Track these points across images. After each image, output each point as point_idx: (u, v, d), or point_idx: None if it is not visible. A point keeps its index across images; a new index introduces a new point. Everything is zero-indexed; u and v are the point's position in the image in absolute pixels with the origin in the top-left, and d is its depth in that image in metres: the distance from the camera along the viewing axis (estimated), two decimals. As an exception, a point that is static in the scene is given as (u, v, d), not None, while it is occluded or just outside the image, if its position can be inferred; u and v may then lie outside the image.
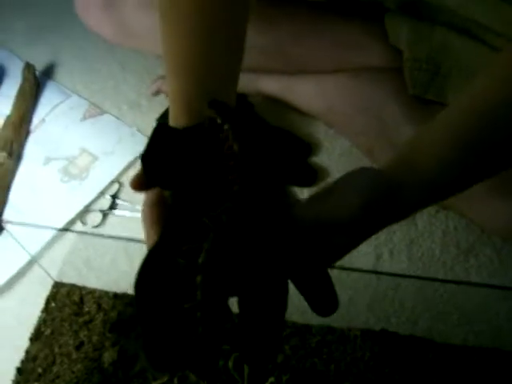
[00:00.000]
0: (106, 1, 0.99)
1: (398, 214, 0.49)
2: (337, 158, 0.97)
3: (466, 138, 0.49)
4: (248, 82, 1.03)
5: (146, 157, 0.54)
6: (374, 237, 0.83)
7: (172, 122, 0.58)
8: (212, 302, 0.42)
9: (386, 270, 0.85)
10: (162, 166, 0.53)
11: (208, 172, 0.50)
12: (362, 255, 0.87)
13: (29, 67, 1.20)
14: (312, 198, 0.49)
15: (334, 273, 0.76)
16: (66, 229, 0.97)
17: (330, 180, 0.95)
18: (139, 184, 0.54)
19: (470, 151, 0.49)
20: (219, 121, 0.51)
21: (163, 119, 1.07)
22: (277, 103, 1.02)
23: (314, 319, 0.80)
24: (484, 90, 0.50)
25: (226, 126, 0.51)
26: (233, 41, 0.64)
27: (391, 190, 0.47)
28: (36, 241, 0.95)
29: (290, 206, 0.49)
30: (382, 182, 0.48)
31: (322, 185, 0.94)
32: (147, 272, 0.45)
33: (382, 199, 0.47)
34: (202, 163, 0.51)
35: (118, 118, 1.11)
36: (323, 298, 0.48)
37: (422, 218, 0.89)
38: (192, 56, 0.59)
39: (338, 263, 0.83)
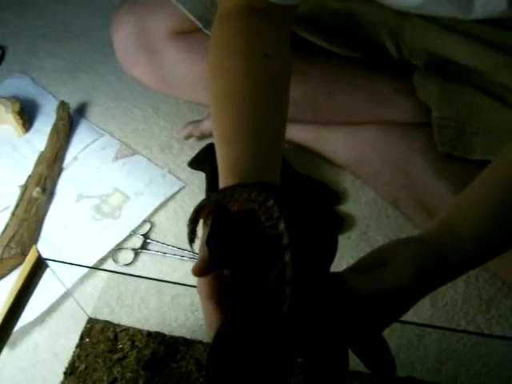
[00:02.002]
0: (146, 47, 1.04)
1: (445, 279, 0.54)
2: (363, 206, 1.01)
3: (505, 207, 0.53)
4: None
5: (211, 242, 0.53)
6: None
7: (222, 185, 0.60)
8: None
9: (411, 317, 0.88)
10: (226, 250, 0.53)
11: (261, 250, 0.51)
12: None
13: (63, 105, 1.24)
14: (363, 269, 0.53)
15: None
16: (97, 267, 1.00)
17: (356, 228, 0.98)
18: (204, 269, 0.54)
19: (509, 219, 0.53)
20: (268, 203, 0.52)
21: (194, 164, 1.11)
22: (306, 152, 1.07)
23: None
24: None
25: (270, 203, 0.51)
26: (279, 108, 0.68)
27: (438, 261, 0.52)
28: (69, 277, 0.98)
29: (342, 278, 0.51)
30: (429, 254, 0.52)
31: (348, 233, 0.98)
32: (219, 353, 0.47)
33: (431, 270, 0.52)
34: (256, 241, 0.52)
35: (149, 160, 1.15)
36: (382, 362, 0.51)
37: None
38: (240, 125, 0.63)
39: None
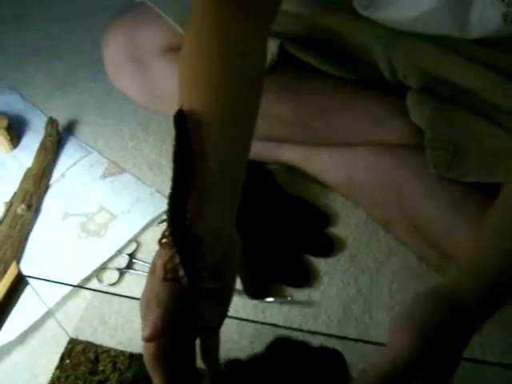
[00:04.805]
0: (136, 61, 1.03)
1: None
2: (353, 228, 0.99)
3: None
4: (268, 151, 1.06)
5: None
6: (389, 308, 0.85)
7: None
8: None
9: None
10: None
11: None
12: (378, 327, 0.88)
13: (52, 122, 1.22)
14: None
15: (349, 343, 0.78)
16: (81, 286, 0.98)
17: (346, 251, 0.97)
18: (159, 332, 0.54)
19: None
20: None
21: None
22: (296, 173, 1.05)
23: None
24: None
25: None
26: (250, 105, 0.69)
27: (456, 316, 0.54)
28: (51, 295, 0.96)
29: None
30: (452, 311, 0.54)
31: (338, 256, 0.96)
32: None
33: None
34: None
35: (137, 178, 1.13)
36: None
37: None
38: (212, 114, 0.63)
39: (355, 334, 0.84)
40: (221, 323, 0.59)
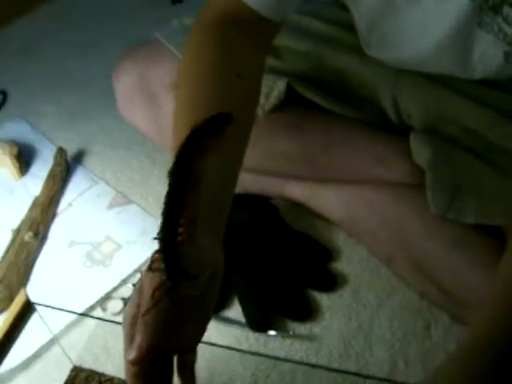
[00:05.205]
0: (147, 96, 1.06)
1: None
2: (355, 264, 1.01)
3: None
4: (273, 186, 1.08)
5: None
6: (389, 345, 0.86)
7: None
8: None
9: (401, 380, 0.87)
10: None
11: None
12: (378, 362, 0.89)
13: (61, 152, 1.25)
14: None
15: (349, 378, 0.79)
16: (86, 314, 0.99)
17: (348, 287, 0.98)
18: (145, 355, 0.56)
19: None
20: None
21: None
22: (300, 208, 1.07)
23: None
24: None
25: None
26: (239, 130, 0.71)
27: None
28: (56, 323, 0.97)
29: None
30: None
31: (340, 292, 0.98)
32: None
33: None
34: None
35: (143, 209, 1.15)
36: None
37: (437, 330, 0.91)
38: None
39: (355, 369, 0.86)
40: (198, 342, 0.61)
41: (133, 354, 0.55)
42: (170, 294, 0.56)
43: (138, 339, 0.55)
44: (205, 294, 0.59)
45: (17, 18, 1.86)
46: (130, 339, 0.57)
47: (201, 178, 0.63)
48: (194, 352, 0.61)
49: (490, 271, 0.79)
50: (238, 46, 0.77)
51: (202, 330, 0.61)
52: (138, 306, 0.57)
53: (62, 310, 0.97)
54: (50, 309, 0.98)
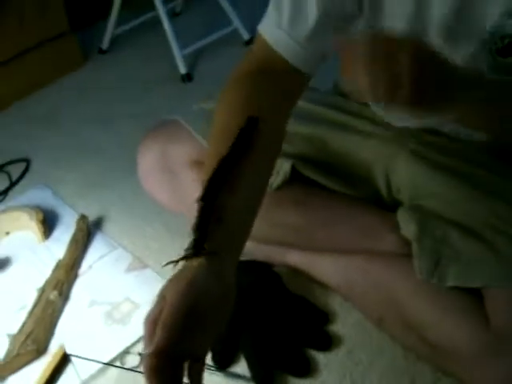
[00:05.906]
0: (168, 171, 1.18)
1: None
2: (350, 327, 1.12)
3: None
4: (276, 254, 1.20)
5: None
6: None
7: None
8: None
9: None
10: None
11: None
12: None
13: (83, 218, 1.37)
14: None
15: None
16: (110, 364, 1.08)
17: (343, 347, 1.09)
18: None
19: None
20: None
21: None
22: (300, 274, 1.19)
23: None
24: None
25: None
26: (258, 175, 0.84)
27: None
28: (83, 372, 1.07)
29: None
30: None
31: (336, 351, 1.08)
32: None
33: None
34: None
35: (158, 274, 1.26)
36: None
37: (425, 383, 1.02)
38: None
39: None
40: (206, 353, 0.71)
41: (152, 347, 0.64)
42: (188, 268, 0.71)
43: (158, 337, 0.65)
44: (218, 308, 0.70)
45: (39, 88, 2.03)
46: (149, 334, 0.67)
47: (224, 218, 0.75)
48: (202, 363, 0.70)
49: (468, 322, 0.93)
50: (266, 94, 0.89)
51: (209, 342, 0.71)
52: (161, 309, 0.68)
53: (91, 360, 1.07)
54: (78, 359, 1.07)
